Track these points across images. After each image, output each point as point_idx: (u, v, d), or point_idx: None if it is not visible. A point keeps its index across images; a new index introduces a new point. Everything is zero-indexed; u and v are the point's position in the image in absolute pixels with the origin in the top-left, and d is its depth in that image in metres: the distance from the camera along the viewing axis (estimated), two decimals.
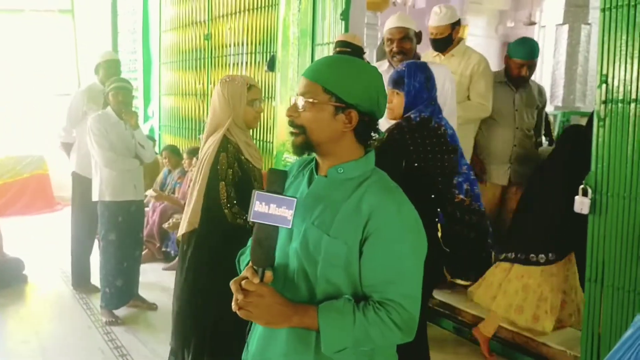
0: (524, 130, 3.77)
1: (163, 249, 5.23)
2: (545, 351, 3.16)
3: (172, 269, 4.88)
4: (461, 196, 2.63)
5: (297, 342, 1.36)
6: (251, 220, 1.26)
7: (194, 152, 5.12)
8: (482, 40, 13.82)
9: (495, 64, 14.30)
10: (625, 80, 2.66)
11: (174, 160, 5.78)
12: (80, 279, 4.39)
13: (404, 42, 3.20)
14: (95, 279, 4.23)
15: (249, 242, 1.51)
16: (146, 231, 5.21)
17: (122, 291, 3.91)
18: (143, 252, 4.79)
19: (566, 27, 6.22)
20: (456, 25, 3.74)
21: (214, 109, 2.57)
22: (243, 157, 2.54)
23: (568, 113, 5.76)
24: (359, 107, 1.35)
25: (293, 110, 1.38)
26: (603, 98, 2.73)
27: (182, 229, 2.62)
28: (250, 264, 1.33)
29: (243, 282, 1.27)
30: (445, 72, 3.21)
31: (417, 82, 2.59)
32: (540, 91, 3.96)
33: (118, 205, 3.83)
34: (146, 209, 5.45)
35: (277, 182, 1.30)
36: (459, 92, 3.48)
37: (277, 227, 1.27)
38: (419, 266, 1.34)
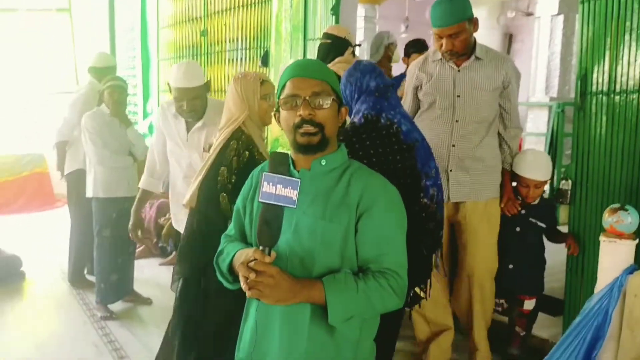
0: (470, 124, 2.69)
1: (159, 245, 5.28)
2: (529, 341, 3.18)
3: (169, 264, 4.95)
4: (426, 200, 2.36)
5: (290, 330, 1.43)
6: (260, 200, 1.32)
7: None
8: (483, 31, 13.77)
9: None
10: (604, 72, 2.67)
11: None
12: (76, 274, 4.47)
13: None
14: (92, 274, 4.31)
15: (223, 245, 1.58)
16: None
17: (116, 286, 3.97)
18: (140, 248, 4.87)
19: (561, 17, 6.20)
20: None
21: (228, 106, 2.49)
22: (256, 150, 2.39)
23: (563, 104, 5.75)
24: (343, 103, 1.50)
25: (311, 109, 1.41)
26: (582, 90, 2.75)
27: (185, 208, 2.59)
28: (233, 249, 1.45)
29: (251, 263, 1.30)
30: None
31: (344, 80, 2.37)
32: (505, 63, 2.74)
33: (112, 202, 3.88)
34: None
35: (281, 163, 1.38)
36: None
37: (283, 207, 1.32)
38: (404, 238, 1.48)
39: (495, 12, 13.42)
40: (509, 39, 13.88)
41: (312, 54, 4.47)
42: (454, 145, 2.71)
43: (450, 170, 2.72)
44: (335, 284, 1.36)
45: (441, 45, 2.63)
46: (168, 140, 3.03)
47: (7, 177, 6.90)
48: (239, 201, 1.61)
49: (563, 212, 3.63)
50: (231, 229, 1.63)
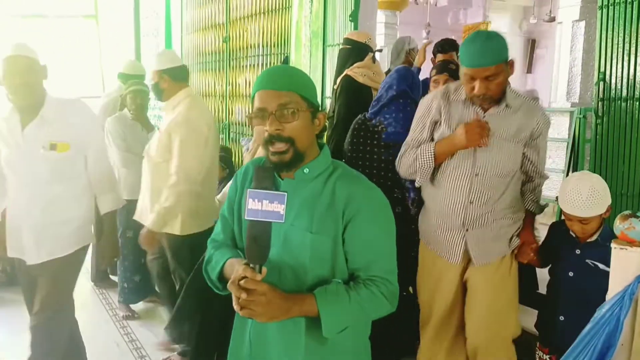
0: (491, 178, 2.34)
1: None
2: None
3: None
4: (407, 202, 2.64)
5: (287, 343, 1.43)
6: (246, 218, 1.27)
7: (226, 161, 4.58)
8: (506, 37, 13.70)
9: (519, 62, 14.15)
10: (622, 77, 2.67)
11: None
12: (100, 274, 4.56)
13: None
14: (115, 274, 4.40)
15: (211, 251, 1.55)
16: None
17: (140, 286, 4.06)
18: None
19: (583, 23, 6.16)
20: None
21: None
22: None
23: (584, 109, 5.70)
24: (320, 108, 1.44)
25: (278, 124, 1.34)
26: (601, 96, 2.75)
27: None
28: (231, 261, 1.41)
29: (242, 282, 1.26)
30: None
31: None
32: (537, 111, 2.38)
33: (135, 203, 3.95)
34: None
35: (266, 178, 1.32)
36: None
37: (271, 223, 1.27)
38: (393, 242, 1.46)
39: (517, 18, 13.35)
40: (531, 44, 13.79)
41: (331, 59, 4.52)
42: (471, 202, 2.35)
43: (467, 230, 2.37)
44: (327, 296, 1.34)
45: (472, 88, 2.24)
46: (2, 148, 2.54)
47: None
48: (225, 205, 1.57)
49: None
50: (218, 233, 1.59)
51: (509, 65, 2.27)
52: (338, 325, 1.35)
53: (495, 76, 2.20)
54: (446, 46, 4.08)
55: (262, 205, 1.26)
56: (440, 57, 3.99)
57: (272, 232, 1.30)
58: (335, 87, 3.46)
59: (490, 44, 2.19)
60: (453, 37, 4.28)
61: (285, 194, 1.27)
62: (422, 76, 3.88)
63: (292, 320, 1.37)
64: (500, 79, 2.23)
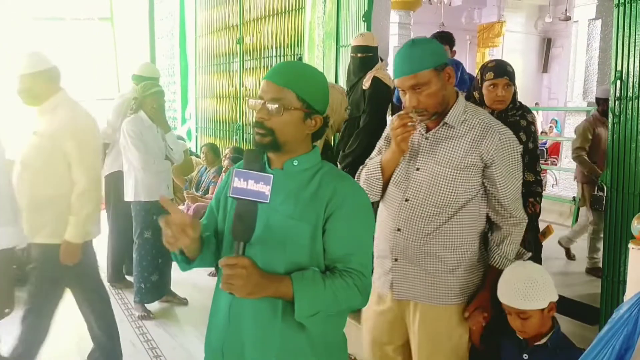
0: (424, 207, 2.03)
1: None
2: None
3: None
4: None
5: (263, 328, 1.46)
6: (230, 195, 1.34)
7: (236, 161, 4.92)
8: (521, 36, 13.64)
9: (535, 62, 14.02)
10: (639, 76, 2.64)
11: (211, 157, 5.94)
12: (115, 274, 4.60)
13: None
14: (130, 274, 4.44)
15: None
16: None
17: (156, 286, 4.09)
18: None
19: (599, 22, 6.10)
20: None
21: None
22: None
23: None
24: (321, 112, 1.50)
25: (265, 113, 1.45)
26: (617, 94, 2.72)
27: None
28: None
29: (222, 259, 1.32)
30: None
31: None
32: (489, 136, 1.98)
33: (153, 205, 3.99)
34: (181, 207, 5.65)
35: (254, 161, 1.40)
36: None
37: (256, 202, 1.33)
38: (372, 239, 1.55)
39: (533, 17, 13.27)
40: (547, 44, 13.69)
41: (345, 60, 4.52)
42: (398, 230, 2.06)
43: (396, 260, 2.08)
44: (303, 280, 1.39)
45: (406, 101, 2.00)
46: None
47: None
48: (213, 198, 1.65)
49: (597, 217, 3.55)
50: (202, 220, 1.65)
51: (446, 73, 1.96)
52: (310, 309, 1.39)
53: (423, 86, 1.92)
54: (439, 39, 3.76)
55: (247, 185, 1.32)
56: None
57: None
58: (364, 88, 3.42)
59: (413, 51, 1.94)
60: (467, 38, 4.25)
61: (272, 176, 1.32)
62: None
63: (269, 306, 1.43)
64: (432, 89, 1.93)
